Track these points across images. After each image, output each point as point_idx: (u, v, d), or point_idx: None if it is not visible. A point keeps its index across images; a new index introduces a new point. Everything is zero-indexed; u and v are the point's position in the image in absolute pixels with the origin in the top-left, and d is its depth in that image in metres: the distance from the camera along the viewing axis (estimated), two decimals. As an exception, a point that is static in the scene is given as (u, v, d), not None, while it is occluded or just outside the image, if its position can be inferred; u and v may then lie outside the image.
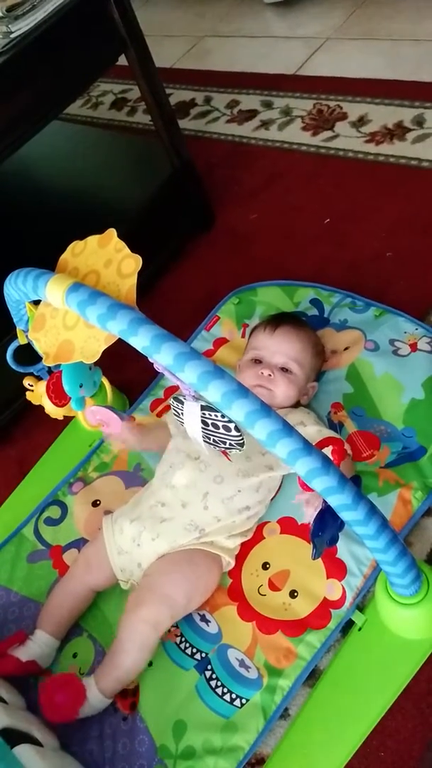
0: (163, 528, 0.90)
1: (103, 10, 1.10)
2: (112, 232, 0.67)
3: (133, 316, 0.60)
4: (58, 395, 1.01)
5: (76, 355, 0.66)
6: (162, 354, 0.60)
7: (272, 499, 0.97)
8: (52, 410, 1.02)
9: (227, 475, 0.92)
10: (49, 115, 1.11)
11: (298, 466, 0.61)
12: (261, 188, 1.52)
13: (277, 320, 1.06)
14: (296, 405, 1.03)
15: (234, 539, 0.92)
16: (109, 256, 0.66)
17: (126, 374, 1.14)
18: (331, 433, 0.94)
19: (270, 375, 0.98)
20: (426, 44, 1.65)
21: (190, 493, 0.92)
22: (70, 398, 0.98)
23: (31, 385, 1.03)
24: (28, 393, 1.04)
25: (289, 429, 0.61)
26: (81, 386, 0.96)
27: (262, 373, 0.99)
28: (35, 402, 1.04)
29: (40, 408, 1.07)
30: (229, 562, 0.92)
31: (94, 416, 0.96)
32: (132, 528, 0.92)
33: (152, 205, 1.35)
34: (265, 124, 1.69)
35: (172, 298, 1.38)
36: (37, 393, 1.02)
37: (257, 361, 1.02)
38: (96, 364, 0.86)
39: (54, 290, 0.65)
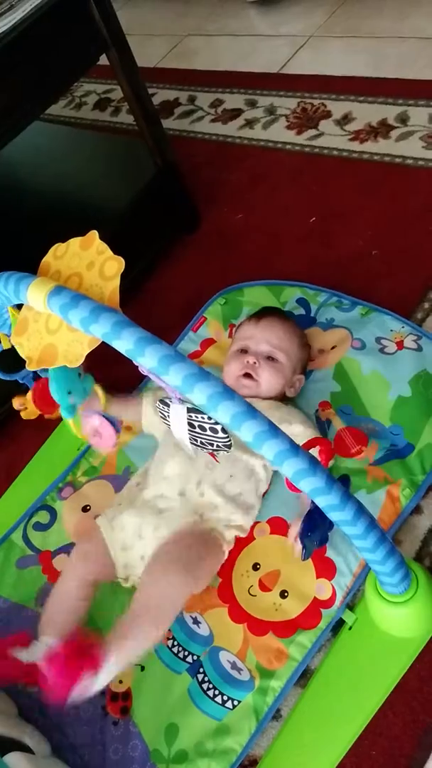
0: (164, 518, 0.91)
1: (83, 10, 1.09)
2: (93, 234, 0.67)
3: (116, 319, 0.60)
4: (45, 403, 0.99)
5: (60, 359, 0.66)
6: (146, 357, 0.59)
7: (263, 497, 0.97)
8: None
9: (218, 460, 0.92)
10: (30, 117, 1.11)
11: (285, 467, 0.61)
12: (246, 188, 1.52)
13: (261, 312, 1.08)
14: (283, 398, 1.03)
15: (230, 531, 0.92)
16: (91, 259, 0.66)
17: (112, 377, 1.13)
18: (317, 433, 0.94)
19: (255, 363, 0.99)
20: (409, 41, 1.65)
21: (184, 482, 0.92)
22: (58, 406, 0.96)
23: (23, 405, 1.01)
24: (22, 413, 1.02)
25: (275, 430, 0.61)
26: (70, 393, 0.94)
27: (247, 361, 1.00)
28: (32, 416, 1.02)
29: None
30: (224, 551, 0.92)
31: (90, 424, 0.94)
32: (133, 522, 0.92)
33: (137, 206, 1.34)
34: (250, 123, 1.68)
35: (159, 300, 1.38)
36: (27, 415, 1.00)
37: (243, 351, 1.02)
38: (83, 367, 0.86)
39: (36, 294, 0.64)
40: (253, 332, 1.03)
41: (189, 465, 0.93)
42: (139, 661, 0.88)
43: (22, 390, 1.07)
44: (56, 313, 0.63)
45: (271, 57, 1.86)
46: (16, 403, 1.03)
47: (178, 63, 2.06)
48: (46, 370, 0.96)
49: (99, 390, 1.01)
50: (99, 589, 0.93)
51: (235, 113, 1.74)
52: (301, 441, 0.91)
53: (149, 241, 1.38)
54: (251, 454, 0.93)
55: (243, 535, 0.94)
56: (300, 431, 0.93)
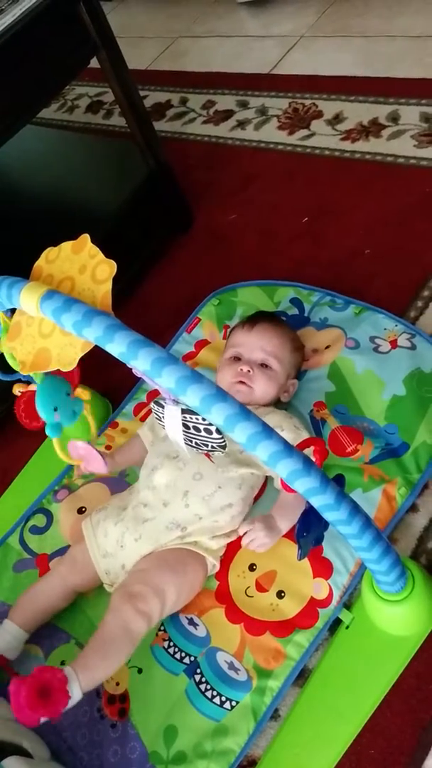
0: (146, 528, 0.90)
1: (73, 13, 1.09)
2: (85, 238, 0.67)
3: (109, 322, 0.60)
4: (29, 415, 0.97)
5: (53, 363, 0.66)
6: (139, 360, 0.59)
7: (257, 500, 0.97)
8: None
9: (206, 472, 0.92)
10: (21, 121, 1.11)
11: (279, 468, 0.61)
12: (239, 188, 1.52)
13: (254, 318, 1.07)
14: (277, 402, 1.03)
15: (218, 540, 0.92)
16: (83, 262, 0.66)
17: (108, 379, 1.13)
18: (310, 435, 0.94)
19: (249, 371, 0.99)
20: (399, 40, 1.66)
21: (171, 492, 0.92)
22: (43, 423, 0.93)
23: (21, 392, 1.00)
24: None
25: (269, 431, 0.61)
26: (56, 410, 0.91)
27: (241, 369, 0.99)
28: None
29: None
30: (214, 564, 0.92)
31: (77, 451, 0.92)
32: (116, 530, 0.92)
33: (130, 208, 1.35)
34: (242, 124, 1.69)
35: (153, 301, 1.38)
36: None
37: (236, 359, 1.02)
38: (74, 385, 0.84)
39: (28, 298, 0.64)
40: (245, 339, 1.03)
41: (177, 475, 0.92)
42: (135, 663, 0.88)
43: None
44: (49, 317, 0.63)
45: (262, 58, 1.86)
46: (17, 389, 1.01)
47: (169, 65, 2.07)
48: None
49: (90, 417, 0.97)
50: (93, 593, 0.95)
51: (227, 114, 1.74)
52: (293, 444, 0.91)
53: (143, 243, 1.38)
54: (242, 466, 0.93)
55: (233, 538, 0.94)
56: (290, 439, 0.92)
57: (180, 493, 0.91)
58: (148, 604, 0.83)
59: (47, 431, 0.86)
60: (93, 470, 0.93)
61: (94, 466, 0.91)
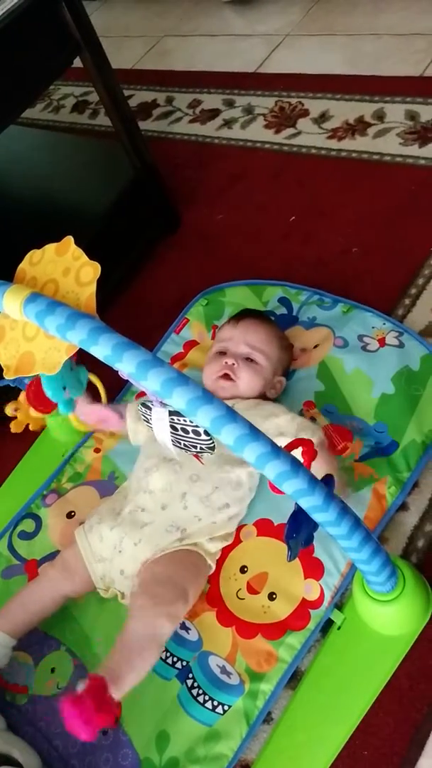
0: (145, 532, 0.89)
1: (55, 13, 1.08)
2: (69, 240, 0.66)
3: (93, 325, 0.59)
4: (40, 402, 0.96)
5: (38, 367, 0.65)
6: (124, 362, 0.58)
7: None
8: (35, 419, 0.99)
9: (203, 473, 0.91)
10: (5, 120, 1.09)
11: (267, 469, 0.61)
12: (226, 188, 1.52)
13: (240, 314, 1.08)
14: (263, 399, 1.02)
15: (215, 543, 0.92)
16: (67, 264, 0.65)
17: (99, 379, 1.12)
18: (304, 427, 0.92)
19: (234, 364, 0.99)
20: (384, 38, 1.66)
21: (168, 496, 0.91)
22: (54, 404, 0.93)
23: (17, 410, 0.99)
24: (12, 424, 1.00)
25: (256, 433, 0.60)
26: (65, 388, 0.92)
27: (226, 362, 0.99)
28: (21, 428, 1.01)
29: (10, 420, 1.05)
30: (210, 566, 0.91)
31: (90, 416, 0.92)
32: (113, 535, 0.91)
33: (117, 209, 1.34)
34: (228, 123, 1.68)
35: (142, 302, 1.37)
36: (21, 416, 0.98)
37: (222, 353, 1.02)
38: (74, 358, 0.83)
39: (11, 301, 0.63)
40: (231, 334, 1.03)
41: (174, 478, 0.91)
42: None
43: (10, 395, 1.06)
44: (32, 320, 0.62)
45: (248, 56, 1.85)
46: (9, 408, 1.01)
47: (155, 64, 2.06)
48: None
49: (97, 381, 0.97)
50: (84, 599, 0.94)
51: (213, 113, 1.73)
52: (288, 428, 0.91)
53: (130, 244, 1.38)
54: (237, 465, 0.92)
55: (229, 542, 0.93)
56: (288, 419, 0.92)
57: (178, 496, 0.90)
58: (176, 606, 0.83)
59: (61, 409, 0.86)
60: (113, 428, 0.92)
61: (112, 423, 0.93)
